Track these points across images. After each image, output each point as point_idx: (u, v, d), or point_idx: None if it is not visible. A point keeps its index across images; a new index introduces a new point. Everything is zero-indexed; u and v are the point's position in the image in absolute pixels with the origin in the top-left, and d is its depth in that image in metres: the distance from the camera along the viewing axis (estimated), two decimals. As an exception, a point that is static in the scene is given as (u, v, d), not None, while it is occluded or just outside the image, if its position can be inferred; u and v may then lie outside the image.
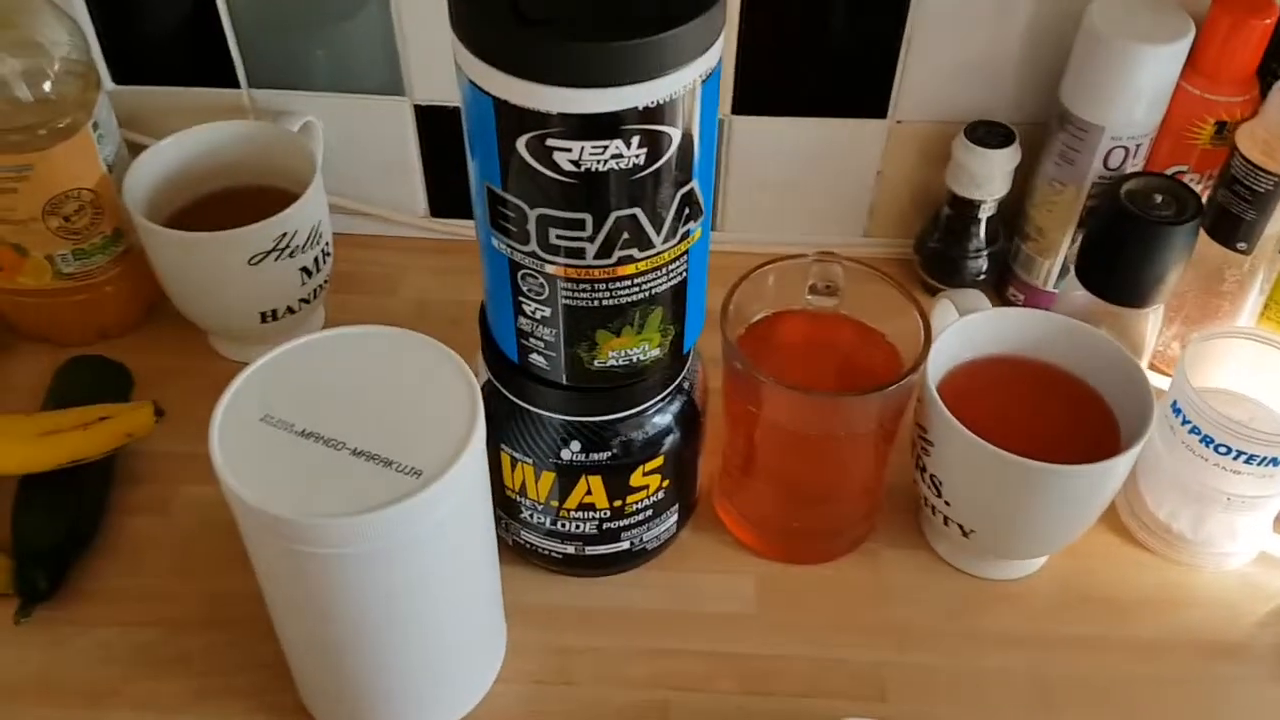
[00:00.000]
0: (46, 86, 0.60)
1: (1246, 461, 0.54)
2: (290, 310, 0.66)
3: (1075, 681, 0.55)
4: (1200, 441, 0.55)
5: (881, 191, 0.74)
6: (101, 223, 0.64)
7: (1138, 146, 0.63)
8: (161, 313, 0.71)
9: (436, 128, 0.72)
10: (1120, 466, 0.52)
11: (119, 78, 0.71)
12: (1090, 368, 0.57)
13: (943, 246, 0.71)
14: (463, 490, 0.44)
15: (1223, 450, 0.54)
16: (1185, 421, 0.56)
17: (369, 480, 0.42)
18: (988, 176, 0.67)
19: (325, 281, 0.68)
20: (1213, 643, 0.57)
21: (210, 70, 0.70)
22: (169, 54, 0.70)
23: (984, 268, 0.71)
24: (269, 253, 0.62)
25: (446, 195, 0.76)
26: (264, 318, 0.65)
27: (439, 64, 0.68)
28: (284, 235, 0.62)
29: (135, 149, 0.66)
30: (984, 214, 0.69)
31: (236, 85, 0.71)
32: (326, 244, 0.66)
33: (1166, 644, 0.57)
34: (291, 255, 0.63)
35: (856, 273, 0.57)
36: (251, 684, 0.54)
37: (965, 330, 0.57)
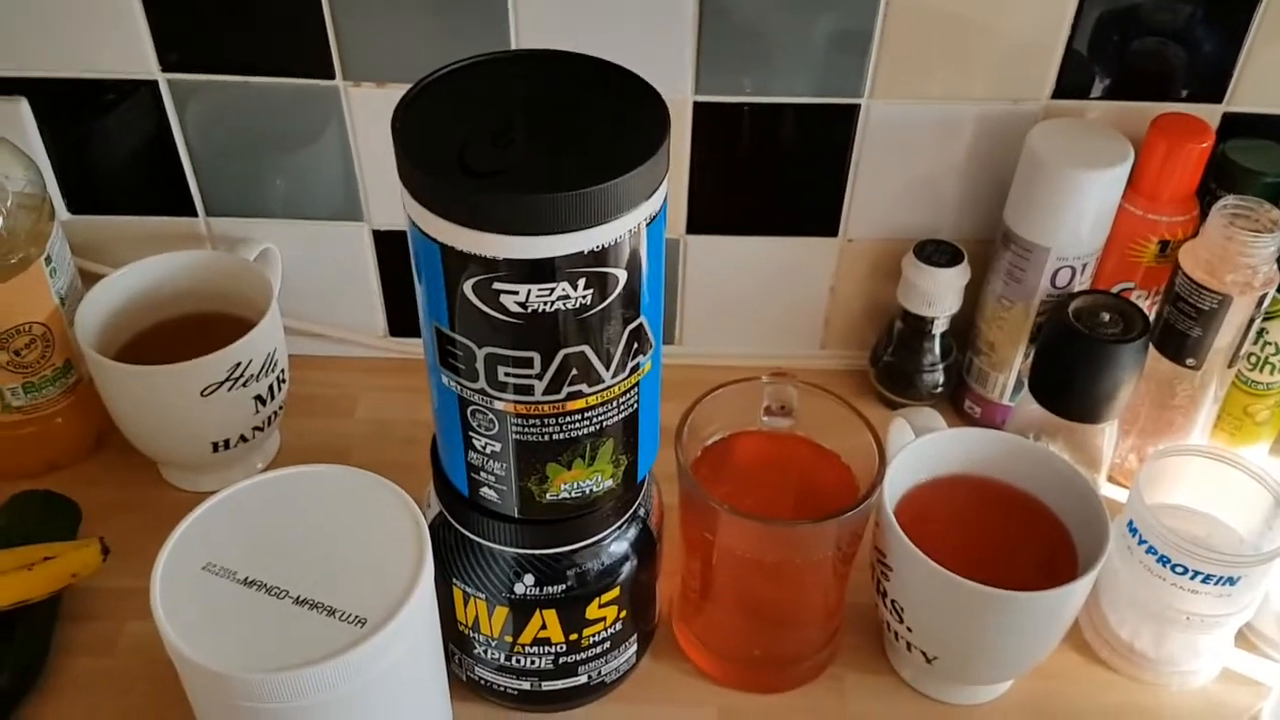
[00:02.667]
0: (-1, 222, 0.60)
1: (1204, 581, 0.54)
2: (243, 439, 0.65)
3: (1045, 810, 0.54)
4: (1157, 561, 0.55)
5: (835, 305, 0.75)
6: (52, 355, 0.64)
7: (1084, 265, 0.65)
8: (111, 442, 0.70)
9: (395, 251, 0.73)
10: (1078, 591, 0.51)
11: (74, 207, 0.71)
12: (1046, 487, 0.57)
13: (897, 360, 0.72)
14: (410, 635, 0.43)
15: (1179, 570, 0.54)
16: (1142, 541, 0.55)
17: (312, 630, 0.41)
18: (939, 294, 0.68)
19: (280, 408, 0.67)
20: (1180, 765, 0.56)
21: (167, 199, 0.70)
22: (125, 183, 0.70)
23: (940, 381, 0.72)
24: (222, 383, 0.61)
25: (405, 315, 0.76)
26: (215, 447, 0.64)
27: (398, 191, 0.68)
28: (237, 365, 0.61)
29: (90, 278, 0.66)
30: (937, 329, 0.70)
31: (194, 213, 0.71)
32: (282, 371, 0.66)
33: (1135, 768, 0.56)
34: (245, 384, 0.62)
35: (810, 393, 0.58)
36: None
37: (920, 451, 0.57)
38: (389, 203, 0.70)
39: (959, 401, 0.74)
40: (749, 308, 0.75)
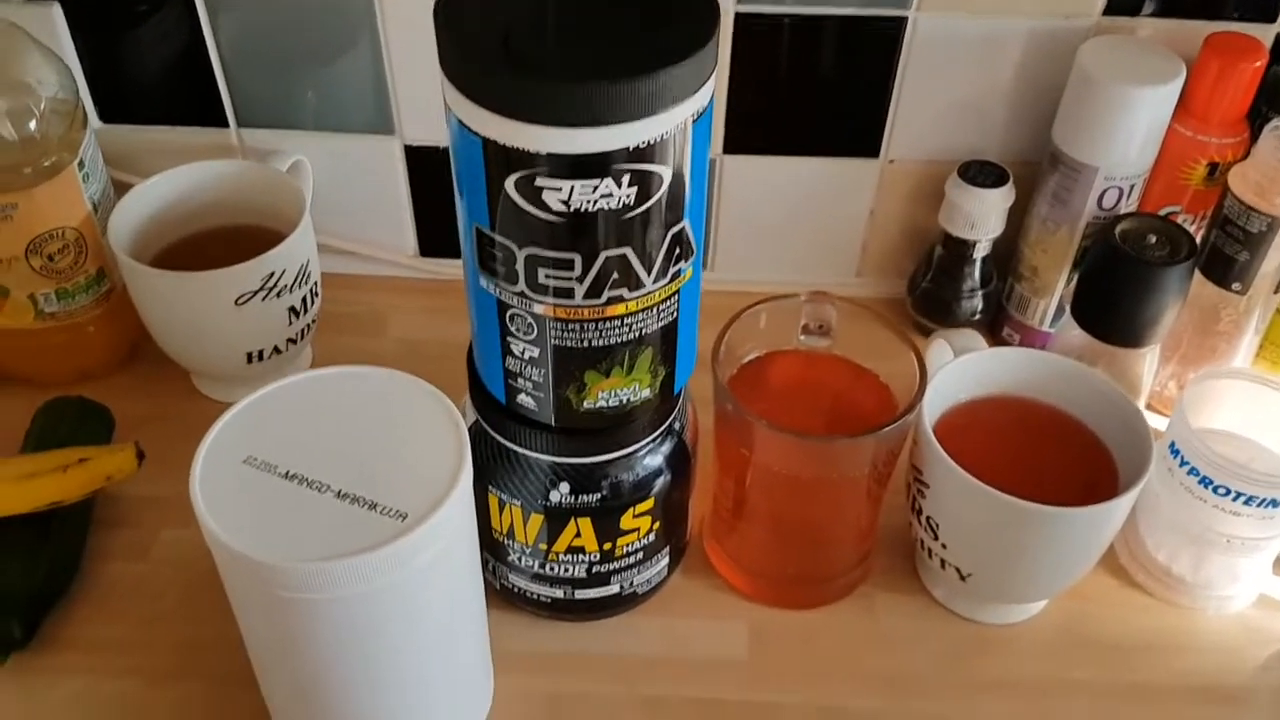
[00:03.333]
0: (32, 125, 0.59)
1: (1246, 503, 0.53)
2: (277, 350, 0.65)
3: (1076, 729, 0.54)
4: (1199, 483, 0.54)
5: (874, 231, 0.73)
6: (85, 263, 0.64)
7: (1131, 187, 0.63)
8: (145, 353, 0.70)
9: (426, 168, 0.72)
10: (1119, 509, 0.51)
11: (106, 116, 0.70)
12: (1088, 409, 0.56)
13: (936, 287, 0.71)
14: (449, 533, 0.43)
15: (1222, 492, 0.54)
16: (1184, 463, 0.55)
17: (353, 524, 0.41)
18: (982, 216, 0.67)
19: (313, 321, 0.67)
20: (1213, 687, 0.56)
21: (199, 109, 0.69)
22: (157, 93, 0.69)
23: (978, 308, 0.71)
24: (255, 293, 0.61)
25: (436, 235, 0.76)
26: (250, 358, 0.64)
27: (429, 104, 0.68)
28: (271, 275, 0.61)
29: (122, 188, 0.66)
30: (978, 254, 0.69)
31: (225, 124, 0.70)
32: (315, 284, 0.66)
33: (1167, 688, 0.56)
34: (279, 295, 0.62)
35: (849, 312, 0.57)
36: (230, 734, 0.53)
37: (961, 370, 0.56)
38: (421, 116, 0.69)
39: (997, 329, 0.73)
40: (785, 232, 0.74)
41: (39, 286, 0.63)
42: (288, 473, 0.42)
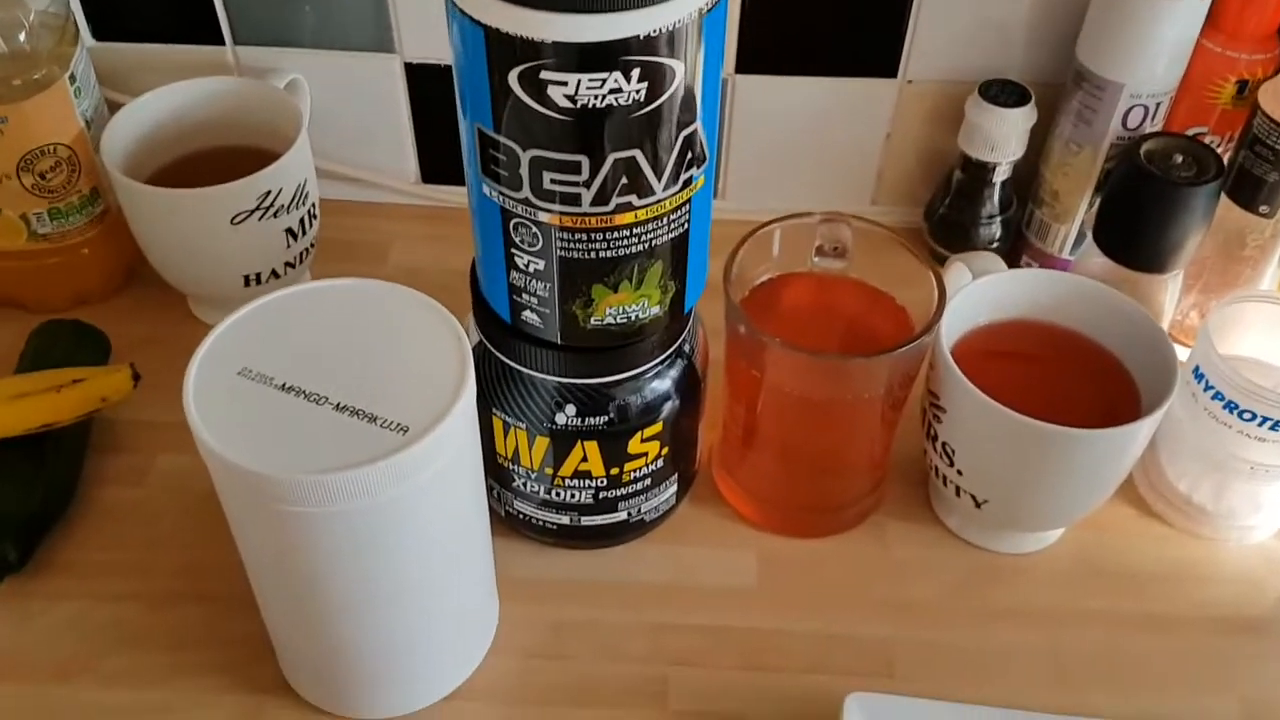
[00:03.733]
0: (21, 37, 0.57)
1: (1272, 427, 0.52)
2: (275, 274, 0.63)
3: (1091, 656, 0.53)
4: (1224, 408, 0.53)
5: (890, 155, 0.71)
6: (78, 181, 0.62)
7: (1157, 105, 0.61)
8: (140, 279, 0.68)
9: (428, 88, 0.70)
10: (1141, 432, 0.49)
11: (100, 34, 0.68)
12: (1109, 332, 0.54)
13: (954, 213, 0.69)
14: (452, 449, 0.42)
15: (1247, 417, 0.52)
16: (1208, 387, 0.53)
17: (353, 436, 0.39)
18: (1003, 138, 0.64)
19: (311, 245, 0.65)
20: (1233, 618, 0.55)
21: (194, 26, 0.67)
22: (152, 9, 0.67)
23: (997, 235, 0.69)
24: (251, 212, 0.59)
25: (438, 160, 0.74)
26: (246, 281, 0.62)
27: (431, 20, 0.66)
28: (267, 194, 0.59)
29: (115, 108, 0.64)
30: (998, 178, 0.67)
31: (221, 42, 0.68)
32: (313, 205, 0.64)
33: (1186, 619, 0.55)
34: (275, 215, 0.60)
35: (866, 234, 0.55)
36: (230, 659, 0.52)
37: (980, 293, 0.55)
38: (422, 32, 0.67)
39: (1016, 257, 0.71)
40: (798, 157, 0.72)
41: (31, 206, 0.61)
42: (284, 385, 0.41)
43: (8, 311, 0.66)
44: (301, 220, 0.63)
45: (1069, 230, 0.67)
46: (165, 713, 0.50)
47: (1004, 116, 0.64)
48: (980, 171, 0.67)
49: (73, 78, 0.60)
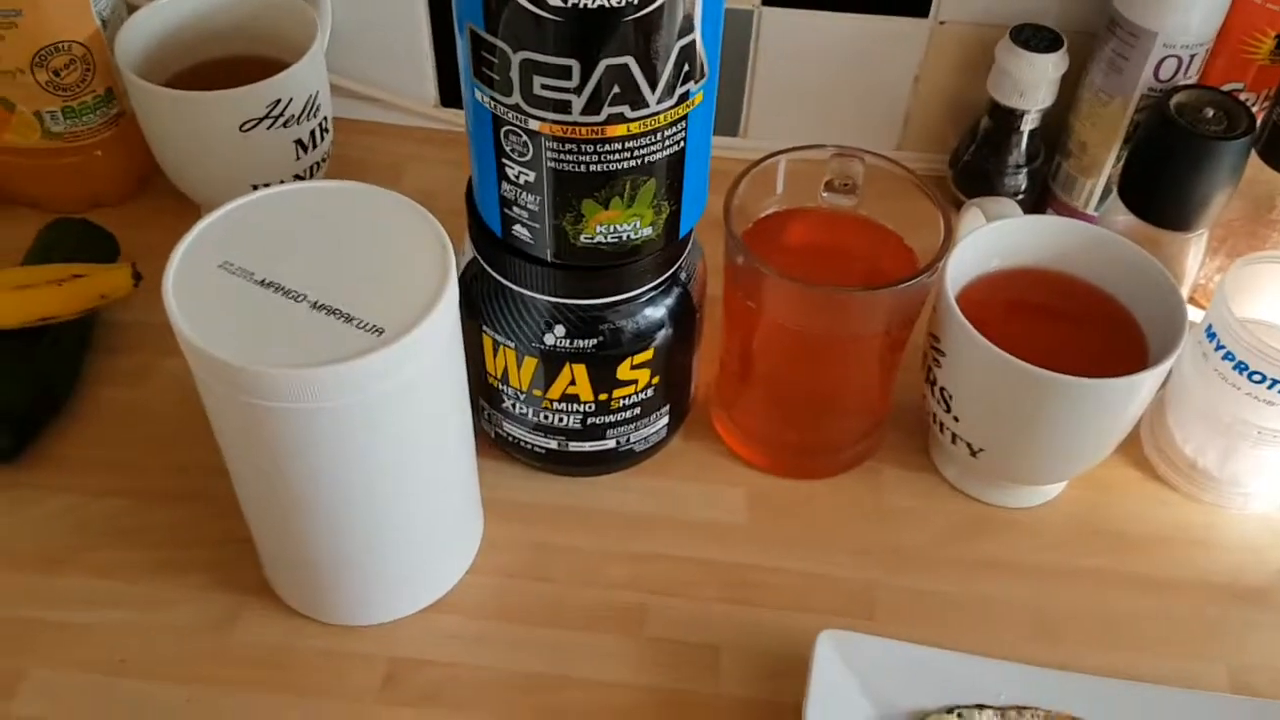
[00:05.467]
0: (38, -69, 0.57)
1: (1282, 391, 0.50)
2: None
3: (1076, 613, 0.52)
4: (1235, 368, 0.51)
5: (918, 100, 0.70)
6: (93, 81, 0.62)
7: (1191, 58, 0.59)
8: (155, 187, 0.68)
9: (450, 10, 0.68)
10: (1143, 385, 0.48)
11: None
12: (1121, 282, 0.53)
13: (979, 160, 0.67)
14: (428, 356, 0.41)
15: (1257, 379, 0.50)
16: (1220, 347, 0.51)
17: (327, 335, 0.39)
18: (1033, 84, 0.62)
19: (323, 159, 0.65)
20: (1230, 584, 0.53)
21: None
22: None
23: (1022, 185, 0.67)
24: (261, 120, 0.59)
25: (458, 84, 0.73)
26: (255, 190, 0.62)
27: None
28: (277, 102, 0.59)
29: (133, 10, 0.63)
30: (1026, 126, 0.65)
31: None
32: (325, 119, 0.63)
33: (1180, 583, 0.53)
34: (285, 125, 0.60)
35: (878, 171, 0.54)
36: (213, 559, 0.52)
37: (992, 237, 0.53)
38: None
39: (1040, 211, 0.69)
40: (823, 98, 0.70)
41: (46, 103, 0.61)
42: (264, 280, 0.41)
43: (21, 210, 0.66)
44: (313, 133, 0.62)
45: (1095, 184, 0.65)
46: (147, 605, 0.51)
47: (1034, 62, 0.62)
48: (1008, 119, 0.65)
49: (89, -26, 0.60)
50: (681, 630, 0.51)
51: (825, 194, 0.55)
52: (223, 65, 0.64)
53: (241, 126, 0.59)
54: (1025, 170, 0.67)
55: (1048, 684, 0.47)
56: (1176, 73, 0.59)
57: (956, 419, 0.52)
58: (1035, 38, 0.62)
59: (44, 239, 0.61)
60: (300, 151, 0.62)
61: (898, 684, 0.47)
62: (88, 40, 0.60)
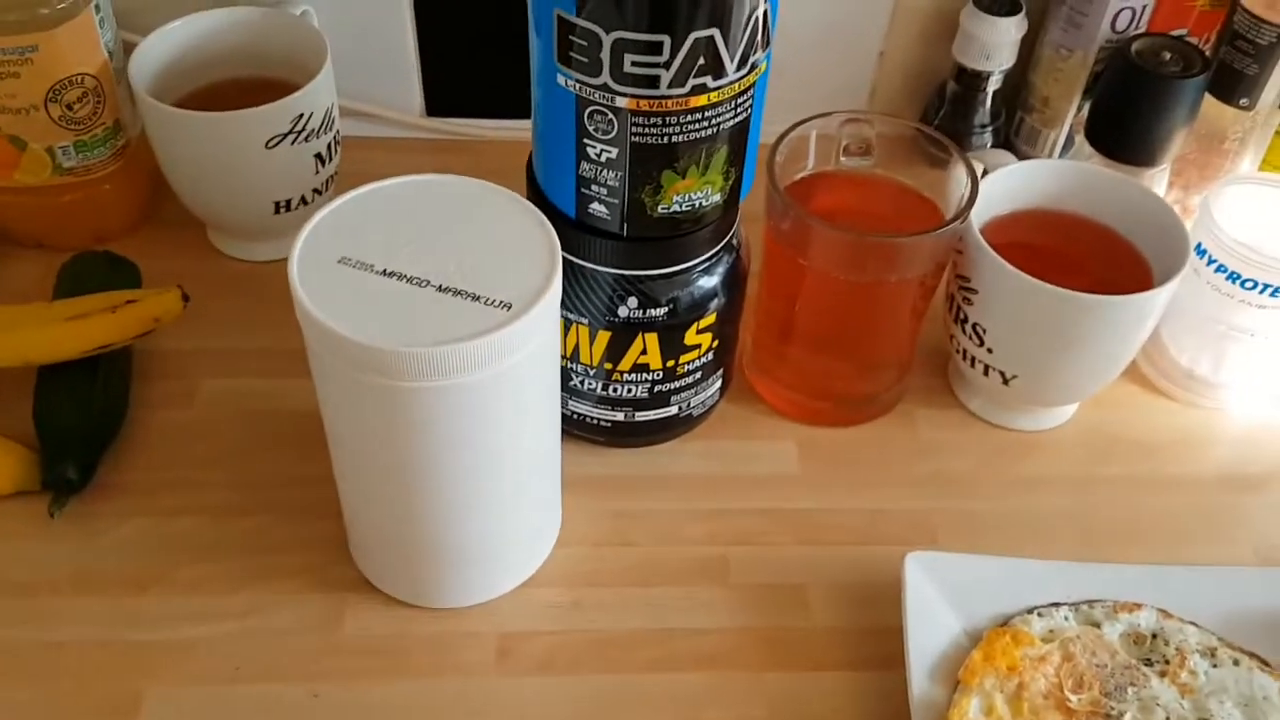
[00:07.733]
0: (43, -34, 0.57)
1: (1273, 294, 0.56)
2: (304, 201, 0.64)
3: (1114, 516, 0.57)
4: (1227, 279, 0.57)
5: (883, 73, 0.74)
6: (103, 113, 0.62)
7: (1144, 8, 0.65)
8: (158, 216, 0.69)
9: (435, 19, 0.71)
10: (1163, 296, 0.53)
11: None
12: (1120, 216, 0.58)
13: (947, 122, 0.72)
14: (549, 326, 0.44)
15: (1249, 285, 0.56)
16: (1211, 261, 0.57)
17: (459, 313, 0.41)
18: (996, 46, 0.68)
19: (335, 173, 0.66)
20: (1238, 476, 0.59)
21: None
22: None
23: (988, 144, 0.72)
24: (285, 135, 0.60)
25: (444, 92, 0.75)
26: (277, 208, 0.63)
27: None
28: (300, 116, 0.60)
29: (128, 48, 0.63)
30: (990, 87, 0.70)
31: (230, -26, 0.68)
32: (337, 131, 0.65)
33: (1197, 478, 0.59)
34: (306, 139, 0.61)
35: (890, 130, 0.58)
36: (299, 564, 0.53)
37: (999, 183, 0.58)
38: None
39: (1004, 165, 0.74)
40: (787, 75, 0.73)
41: (58, 138, 0.61)
42: (385, 270, 0.42)
43: (29, 252, 0.65)
44: (329, 145, 0.63)
45: (1058, 135, 0.71)
46: (247, 614, 0.51)
47: (997, 25, 0.67)
48: (974, 81, 0.70)
49: (97, 7, 0.60)
50: (766, 574, 0.54)
51: (844, 158, 0.59)
52: (230, 87, 0.64)
53: (267, 143, 0.59)
54: (990, 129, 0.72)
55: (1108, 578, 0.52)
56: (1131, 23, 0.65)
57: (990, 351, 0.57)
58: (996, 4, 0.68)
59: (71, 271, 0.60)
60: (319, 164, 0.63)
61: (980, 594, 0.51)
62: (98, 72, 0.60)
